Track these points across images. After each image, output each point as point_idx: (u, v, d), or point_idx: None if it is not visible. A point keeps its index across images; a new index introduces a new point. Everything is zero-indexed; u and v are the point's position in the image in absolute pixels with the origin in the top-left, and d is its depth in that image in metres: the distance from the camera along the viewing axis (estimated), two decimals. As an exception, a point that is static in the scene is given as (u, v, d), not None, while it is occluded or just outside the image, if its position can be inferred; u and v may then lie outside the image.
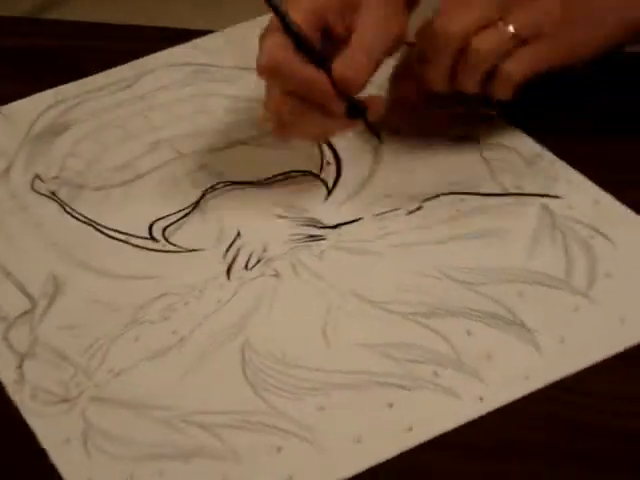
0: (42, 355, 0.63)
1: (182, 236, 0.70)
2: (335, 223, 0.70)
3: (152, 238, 0.70)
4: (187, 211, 0.71)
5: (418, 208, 0.70)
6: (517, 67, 0.67)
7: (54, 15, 2.05)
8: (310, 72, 0.64)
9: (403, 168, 0.71)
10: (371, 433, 0.57)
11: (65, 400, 0.60)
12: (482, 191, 0.71)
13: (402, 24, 0.68)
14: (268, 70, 0.64)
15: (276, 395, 0.59)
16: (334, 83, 0.65)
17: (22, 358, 0.62)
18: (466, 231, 0.68)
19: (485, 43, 0.66)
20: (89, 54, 0.85)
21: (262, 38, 0.66)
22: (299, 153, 0.74)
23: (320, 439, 0.57)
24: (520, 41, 0.66)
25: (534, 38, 0.67)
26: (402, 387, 0.59)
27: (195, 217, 0.71)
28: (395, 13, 0.67)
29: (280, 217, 0.71)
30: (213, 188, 0.73)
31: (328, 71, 0.65)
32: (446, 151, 0.73)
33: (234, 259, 0.68)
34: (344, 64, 0.64)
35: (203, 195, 0.72)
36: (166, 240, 0.70)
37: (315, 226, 0.70)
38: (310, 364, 0.60)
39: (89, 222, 0.71)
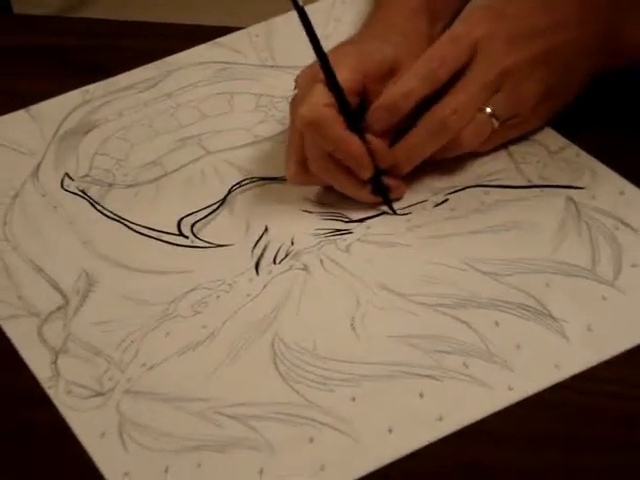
0: (76, 350, 0.64)
1: (211, 232, 0.71)
2: (361, 217, 0.71)
3: (181, 234, 0.71)
4: (215, 207, 0.72)
5: (444, 201, 0.71)
6: (473, 141, 0.70)
7: (80, 13, 2.06)
8: (345, 134, 0.67)
9: (428, 161, 0.71)
10: (402, 423, 0.58)
11: (99, 394, 0.61)
12: (507, 183, 0.71)
13: None
14: (311, 123, 0.66)
15: (308, 386, 0.60)
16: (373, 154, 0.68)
17: (56, 354, 0.63)
18: (492, 223, 0.69)
19: (473, 137, 0.69)
20: (115, 52, 0.86)
21: (304, 85, 0.69)
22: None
23: (352, 429, 0.58)
24: (499, 123, 0.70)
25: (506, 120, 0.70)
26: (432, 377, 0.60)
27: (223, 213, 0.72)
28: None
29: (306, 212, 0.71)
30: (240, 184, 0.74)
31: (362, 136, 0.67)
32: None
33: (262, 254, 0.69)
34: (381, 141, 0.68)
35: (230, 191, 0.73)
36: (195, 236, 0.71)
37: (341, 220, 0.70)
38: (341, 356, 0.61)
39: (119, 219, 0.72)
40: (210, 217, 0.72)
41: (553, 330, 0.61)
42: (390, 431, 0.57)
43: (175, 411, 0.59)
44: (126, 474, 0.57)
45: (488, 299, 0.64)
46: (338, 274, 0.67)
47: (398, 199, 0.71)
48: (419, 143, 0.69)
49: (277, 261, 0.68)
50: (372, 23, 0.75)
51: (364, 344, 0.62)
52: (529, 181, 0.71)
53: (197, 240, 0.70)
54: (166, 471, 0.57)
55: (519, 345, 0.61)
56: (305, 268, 0.67)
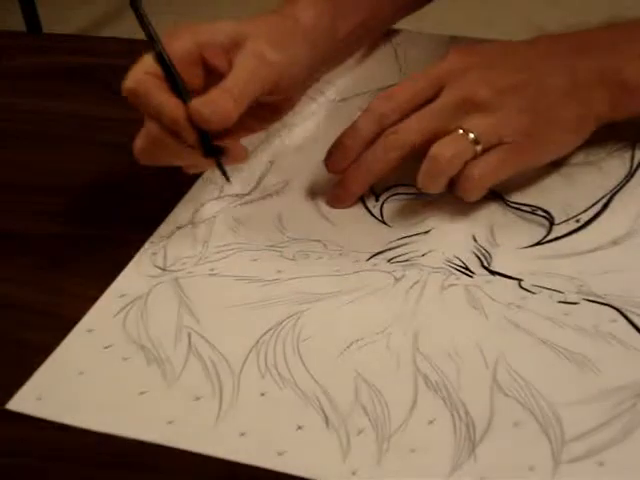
0: None
1: (399, 209, 0.70)
2: (498, 270, 0.64)
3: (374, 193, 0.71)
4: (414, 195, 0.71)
5: (574, 303, 0.60)
6: (481, 171, 0.66)
7: (108, 32, 2.03)
8: (164, 98, 0.65)
9: (604, 264, 0.62)
10: None
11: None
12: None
13: (281, 71, 0.67)
14: (128, 91, 0.66)
15: None
16: (190, 116, 0.65)
17: None
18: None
19: (445, 149, 0.66)
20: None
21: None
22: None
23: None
24: (483, 148, 0.66)
25: (497, 145, 0.67)
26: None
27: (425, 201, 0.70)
28: (276, 60, 0.67)
29: (474, 239, 0.66)
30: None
31: (186, 103, 0.65)
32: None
33: (395, 248, 0.67)
34: (202, 100, 0.64)
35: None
36: (381, 205, 0.71)
37: (480, 260, 0.65)
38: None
39: None
40: (415, 198, 0.71)
41: None
42: None
43: None
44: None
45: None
46: (400, 302, 0.62)
47: (239, 162, 0.68)
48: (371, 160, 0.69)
49: (392, 260, 0.66)
50: None
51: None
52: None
53: (378, 212, 0.70)
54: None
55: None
56: (397, 280, 0.64)
